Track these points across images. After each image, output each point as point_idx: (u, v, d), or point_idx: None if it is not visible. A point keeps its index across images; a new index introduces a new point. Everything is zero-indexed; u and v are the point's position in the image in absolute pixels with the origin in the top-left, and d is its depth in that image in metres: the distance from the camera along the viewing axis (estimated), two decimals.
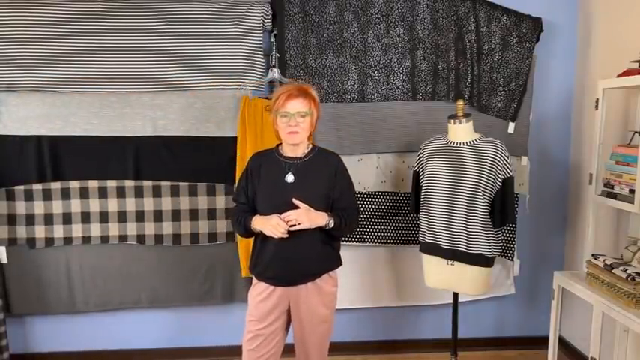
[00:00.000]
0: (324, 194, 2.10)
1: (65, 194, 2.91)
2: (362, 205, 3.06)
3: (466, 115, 2.51)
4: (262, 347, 2.16)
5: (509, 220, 2.48)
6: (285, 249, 2.05)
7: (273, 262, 2.09)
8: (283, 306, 2.16)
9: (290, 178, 2.07)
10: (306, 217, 2.00)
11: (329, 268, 2.18)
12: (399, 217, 3.09)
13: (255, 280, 2.20)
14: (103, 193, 2.93)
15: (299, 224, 1.98)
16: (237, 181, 2.23)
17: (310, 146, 2.17)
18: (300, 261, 2.08)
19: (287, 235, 1.98)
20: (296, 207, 2.01)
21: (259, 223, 2.05)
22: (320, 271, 2.14)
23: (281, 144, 2.18)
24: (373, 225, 3.09)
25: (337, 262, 2.23)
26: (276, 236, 1.98)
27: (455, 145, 2.52)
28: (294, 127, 2.03)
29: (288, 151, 2.14)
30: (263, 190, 2.11)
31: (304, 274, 2.11)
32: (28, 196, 2.89)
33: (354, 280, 3.16)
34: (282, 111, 2.03)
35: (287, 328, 2.26)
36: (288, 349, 2.56)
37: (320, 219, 2.04)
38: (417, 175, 2.67)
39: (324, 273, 2.15)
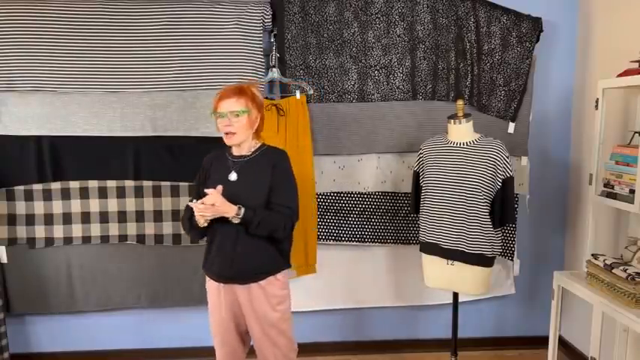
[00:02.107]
0: (262, 189, 2.05)
1: (65, 194, 2.91)
2: (362, 205, 3.06)
3: (466, 115, 2.51)
4: (220, 346, 2.22)
5: (509, 220, 2.48)
6: (225, 246, 2.05)
7: (216, 258, 2.09)
8: (236, 308, 2.14)
9: (233, 176, 2.06)
10: (221, 200, 1.94)
11: (272, 271, 2.10)
12: (399, 217, 3.10)
13: (207, 277, 2.21)
14: (103, 193, 2.93)
15: (213, 206, 1.93)
16: (194, 183, 2.26)
17: (258, 144, 2.14)
18: (239, 259, 2.04)
19: (207, 221, 1.99)
20: (235, 202, 1.97)
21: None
22: (261, 272, 2.08)
23: None
24: (373, 225, 3.09)
25: (282, 265, 2.15)
26: (200, 222, 2.00)
27: (455, 145, 2.52)
28: (228, 127, 2.01)
29: (234, 150, 2.13)
30: (209, 188, 2.01)
31: (245, 273, 2.07)
32: (28, 196, 2.89)
33: (354, 280, 3.17)
34: (216, 112, 2.04)
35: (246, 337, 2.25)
36: None
37: (229, 208, 1.96)
38: (417, 175, 2.67)
39: (268, 275, 2.09)
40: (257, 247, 2.06)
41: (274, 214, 2.03)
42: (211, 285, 2.17)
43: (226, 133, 2.03)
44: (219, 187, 1.96)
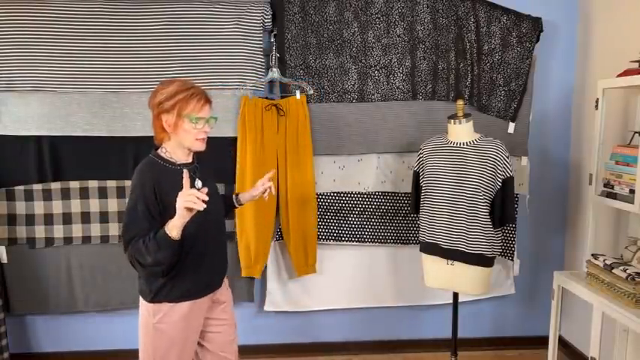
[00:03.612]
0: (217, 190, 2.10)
1: (65, 194, 2.91)
2: (362, 205, 3.06)
3: (466, 115, 2.51)
4: None
5: (509, 220, 2.48)
6: (216, 254, 2.00)
7: (210, 272, 1.98)
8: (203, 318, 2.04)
9: (199, 183, 1.91)
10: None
11: None
12: (399, 217, 3.10)
13: (170, 305, 1.89)
14: (103, 193, 2.93)
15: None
16: (132, 207, 1.80)
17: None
18: (225, 259, 2.10)
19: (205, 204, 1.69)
20: (212, 210, 1.84)
21: (177, 219, 1.69)
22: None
23: (159, 149, 1.93)
24: (373, 225, 3.09)
25: None
26: (200, 207, 1.65)
27: (455, 145, 2.52)
28: (205, 133, 1.89)
29: (182, 157, 1.91)
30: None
31: (224, 273, 2.11)
32: (28, 196, 2.89)
33: (354, 280, 3.17)
34: (196, 115, 1.83)
35: None
36: (287, 349, 2.57)
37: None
38: (417, 175, 2.67)
39: None
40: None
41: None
42: (186, 309, 1.90)
43: (201, 139, 1.88)
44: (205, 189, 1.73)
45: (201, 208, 1.66)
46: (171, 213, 1.71)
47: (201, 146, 1.91)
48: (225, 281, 2.13)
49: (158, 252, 1.72)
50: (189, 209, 1.66)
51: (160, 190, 1.80)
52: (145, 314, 1.91)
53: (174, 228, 1.69)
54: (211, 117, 1.90)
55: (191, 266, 1.89)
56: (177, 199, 1.67)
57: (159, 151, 1.92)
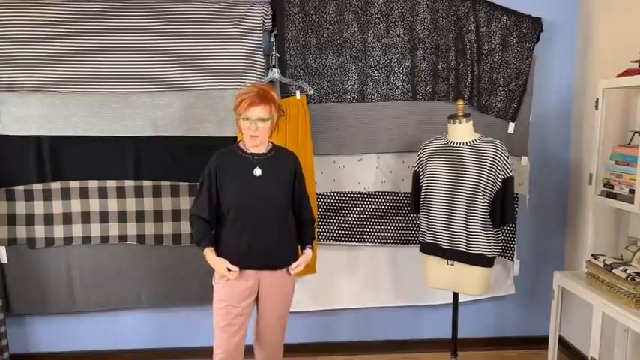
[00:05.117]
0: (286, 185, 2.32)
1: (65, 194, 2.91)
2: (362, 205, 3.07)
3: (466, 115, 2.51)
4: (233, 335, 2.33)
5: (509, 220, 2.49)
6: (267, 239, 2.25)
7: (252, 250, 2.25)
8: (253, 290, 2.32)
9: (258, 171, 2.25)
10: (304, 263, 2.33)
11: (296, 257, 2.35)
12: (399, 217, 3.10)
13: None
14: (103, 193, 2.93)
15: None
16: (200, 183, 2.31)
17: (270, 144, 2.35)
18: (281, 248, 2.30)
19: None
20: (263, 197, 2.23)
21: (211, 260, 2.25)
22: (292, 259, 2.33)
23: (241, 141, 2.35)
24: (373, 225, 3.09)
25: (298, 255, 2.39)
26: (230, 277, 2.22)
27: (455, 145, 2.52)
28: (255, 131, 2.21)
29: (252, 148, 2.29)
30: (233, 185, 2.25)
31: (284, 260, 2.32)
32: (28, 196, 2.89)
33: (355, 280, 3.17)
34: (243, 115, 2.20)
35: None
36: (287, 350, 2.57)
37: (309, 256, 2.36)
38: (417, 175, 2.67)
39: (293, 262, 2.34)
40: (291, 237, 2.35)
41: (309, 212, 2.41)
42: (238, 274, 2.25)
43: (251, 136, 2.21)
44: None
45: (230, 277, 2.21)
46: (224, 187, 2.23)
47: (252, 142, 2.25)
48: (283, 272, 2.32)
49: (193, 232, 2.31)
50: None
51: (222, 171, 2.25)
52: None
53: (205, 252, 2.25)
54: (259, 118, 2.18)
55: (233, 240, 2.24)
56: (218, 267, 2.24)
57: (239, 142, 2.35)
